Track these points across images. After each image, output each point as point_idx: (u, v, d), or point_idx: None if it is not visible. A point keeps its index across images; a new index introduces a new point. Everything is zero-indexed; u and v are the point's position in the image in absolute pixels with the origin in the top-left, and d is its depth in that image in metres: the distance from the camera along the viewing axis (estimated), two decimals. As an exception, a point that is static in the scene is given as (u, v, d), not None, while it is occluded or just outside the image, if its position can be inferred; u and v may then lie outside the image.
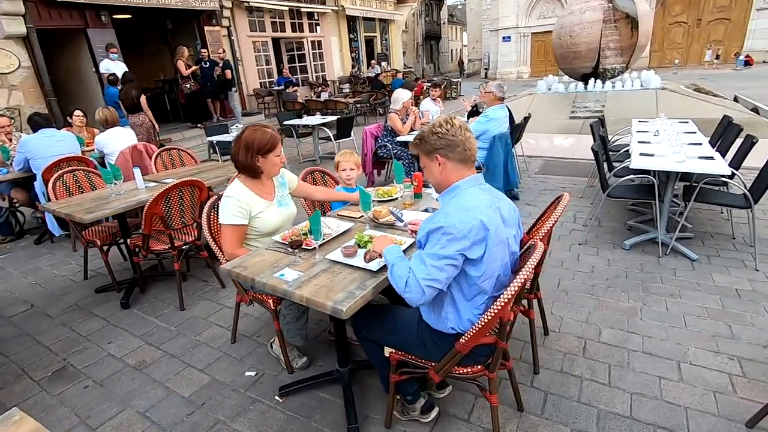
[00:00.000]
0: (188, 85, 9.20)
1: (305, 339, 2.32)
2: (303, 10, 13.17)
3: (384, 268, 1.71)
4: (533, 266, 1.48)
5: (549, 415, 1.98)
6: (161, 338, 2.76)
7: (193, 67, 9.29)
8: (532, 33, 24.78)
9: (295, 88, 11.56)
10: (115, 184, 3.17)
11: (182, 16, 10.30)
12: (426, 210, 2.39)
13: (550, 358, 2.35)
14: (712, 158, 3.30)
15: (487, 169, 4.54)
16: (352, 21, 15.86)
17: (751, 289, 2.89)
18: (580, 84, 10.42)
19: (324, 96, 11.82)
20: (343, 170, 2.78)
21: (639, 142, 4.01)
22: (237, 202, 2.10)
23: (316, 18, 14.11)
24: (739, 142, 3.92)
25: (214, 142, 6.29)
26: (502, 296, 1.43)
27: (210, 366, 2.46)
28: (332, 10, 14.34)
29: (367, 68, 16.39)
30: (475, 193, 1.54)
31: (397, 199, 2.60)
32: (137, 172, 3.34)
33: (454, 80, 17.13)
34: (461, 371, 1.66)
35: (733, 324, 2.54)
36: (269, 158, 2.12)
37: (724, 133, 4.29)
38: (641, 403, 2.02)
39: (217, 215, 2.32)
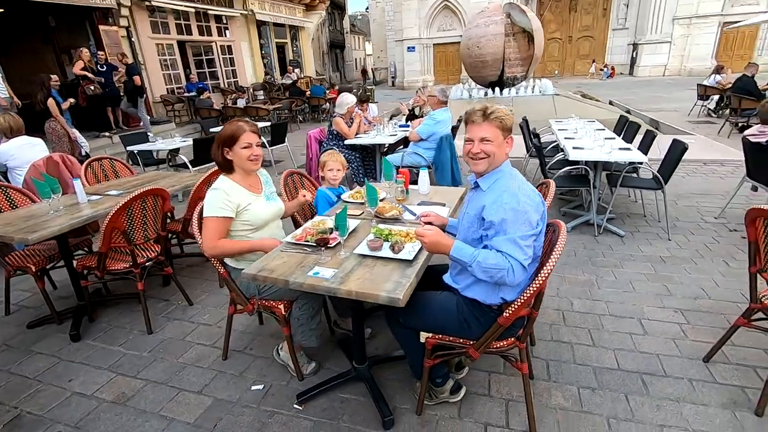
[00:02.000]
0: (92, 87, 8.15)
1: (320, 339, 2.25)
2: (210, 12, 12.45)
3: (418, 255, 1.78)
4: (564, 242, 1.66)
5: (555, 378, 2.20)
6: (135, 366, 2.46)
7: (84, 73, 8.17)
8: (434, 44, 26.40)
9: (208, 94, 10.85)
10: (54, 198, 2.74)
11: (69, 13, 9.09)
12: (423, 203, 2.50)
13: (539, 329, 2.60)
14: (629, 149, 3.92)
15: (436, 168, 4.80)
16: (262, 26, 15.39)
17: (670, 255, 3.49)
18: (481, 91, 11.40)
19: (241, 103, 11.30)
20: (330, 170, 2.76)
21: (566, 138, 4.57)
22: (225, 194, 2.04)
23: (224, 22, 13.43)
24: (639, 137, 4.70)
25: (136, 151, 5.68)
26: (545, 267, 1.58)
27: (207, 386, 2.27)
28: (241, 14, 13.78)
29: (281, 75, 16.04)
30: (516, 173, 1.73)
31: (384, 198, 2.64)
32: (78, 184, 2.92)
33: (368, 87, 17.55)
34: (497, 345, 1.79)
35: (668, 284, 3.06)
36: (236, 150, 2.07)
37: (625, 130, 5.09)
38: (623, 357, 2.34)
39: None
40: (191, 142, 5.65)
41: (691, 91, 14.32)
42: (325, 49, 31.02)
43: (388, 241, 1.92)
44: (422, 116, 5.54)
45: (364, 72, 39.71)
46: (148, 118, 9.44)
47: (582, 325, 2.64)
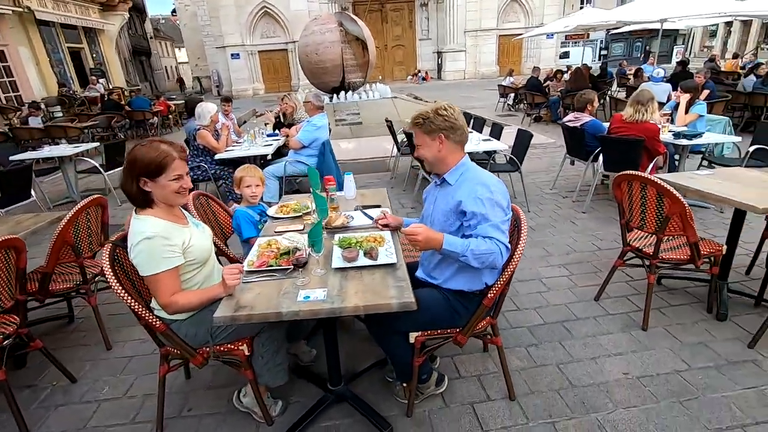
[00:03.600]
0: None
1: (288, 373, 2.01)
2: (-37, 8, 9.54)
3: (397, 256, 1.77)
4: (526, 224, 1.87)
5: (506, 345, 2.46)
6: (26, 484, 1.79)
7: None
8: (258, 51, 25.58)
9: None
10: None
11: None
12: (361, 208, 2.46)
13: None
14: (490, 140, 4.58)
15: (322, 175, 4.72)
16: (45, 27, 12.49)
17: (536, 223, 4.24)
18: (325, 97, 11.69)
19: (35, 122, 9.00)
20: (248, 186, 2.47)
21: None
22: (164, 240, 1.63)
23: (-13, 20, 10.46)
24: (487, 129, 5.52)
25: None
26: (518, 247, 1.77)
27: (153, 472, 1.81)
28: (13, 11, 10.93)
29: (82, 87, 13.34)
30: (476, 167, 1.84)
31: (311, 212, 2.49)
32: None
33: (197, 97, 15.97)
34: (479, 327, 1.92)
35: (545, 247, 3.71)
36: (160, 182, 1.64)
37: (473, 124, 5.90)
38: (543, 312, 2.77)
39: (130, 272, 1.75)
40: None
41: (488, 91, 17.36)
42: (128, 55, 26.97)
43: (359, 248, 1.85)
44: (292, 124, 5.37)
45: (180, 81, 36.06)
46: None
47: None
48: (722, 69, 12.83)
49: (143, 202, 1.68)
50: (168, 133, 12.28)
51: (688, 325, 2.56)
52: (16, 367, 2.51)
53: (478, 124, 5.76)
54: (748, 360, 2.25)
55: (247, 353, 1.83)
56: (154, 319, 1.72)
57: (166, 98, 13.69)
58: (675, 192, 2.22)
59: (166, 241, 1.63)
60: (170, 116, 12.55)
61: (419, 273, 1.97)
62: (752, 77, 7.99)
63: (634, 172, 2.45)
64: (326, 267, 1.76)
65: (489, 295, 1.78)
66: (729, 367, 2.20)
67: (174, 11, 37.50)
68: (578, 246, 3.68)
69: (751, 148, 4.09)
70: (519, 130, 4.53)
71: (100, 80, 14.03)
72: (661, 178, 2.36)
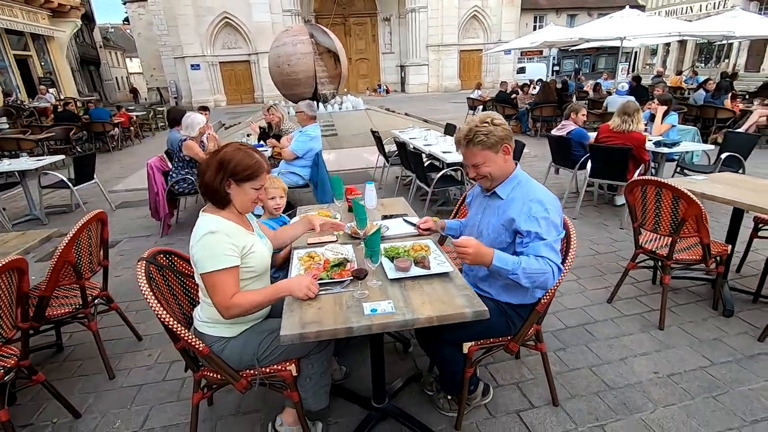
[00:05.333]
0: None
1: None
2: None
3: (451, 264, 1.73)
4: (575, 234, 1.89)
5: (533, 352, 2.46)
6: None
7: None
8: (219, 62, 24.96)
9: None
10: None
11: None
12: (388, 217, 2.40)
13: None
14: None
15: (316, 186, 4.63)
16: (-12, 33, 11.59)
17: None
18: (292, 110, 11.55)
19: (-19, 134, 8.26)
20: (272, 198, 2.35)
21: (425, 144, 5.09)
22: (227, 237, 1.56)
23: None
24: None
25: None
26: (568, 257, 1.78)
27: None
28: (-48, 15, 10.07)
29: (30, 97, 12.43)
30: (528, 177, 1.79)
31: (338, 217, 2.42)
32: None
33: (159, 109, 15.33)
34: (527, 334, 1.90)
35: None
36: (244, 188, 1.63)
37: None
38: (563, 316, 2.80)
39: (165, 292, 1.61)
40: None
41: (453, 104, 17.83)
42: (75, 65, 25.50)
43: (406, 257, 1.80)
44: (279, 135, 5.23)
45: (134, 92, 34.51)
46: None
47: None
48: (668, 84, 13.86)
49: (221, 200, 1.63)
50: (130, 145, 11.64)
51: (699, 323, 2.68)
52: (7, 404, 2.23)
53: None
54: (762, 353, 2.37)
55: (294, 374, 1.72)
56: (197, 342, 1.58)
57: (126, 110, 12.99)
58: (692, 195, 2.34)
59: (229, 239, 1.55)
60: (132, 128, 11.91)
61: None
62: (701, 92, 8.69)
63: (648, 177, 2.56)
64: (380, 278, 1.69)
65: (542, 300, 1.78)
66: (747, 361, 2.31)
67: (126, 20, 35.95)
68: (577, 251, 3.77)
69: (723, 155, 4.40)
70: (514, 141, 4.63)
71: (50, 90, 13.12)
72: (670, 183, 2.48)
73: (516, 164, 1.80)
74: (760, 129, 7.26)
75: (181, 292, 1.89)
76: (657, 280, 3.14)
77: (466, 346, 1.80)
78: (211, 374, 1.70)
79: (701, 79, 13.32)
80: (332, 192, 4.78)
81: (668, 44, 24.40)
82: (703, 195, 2.60)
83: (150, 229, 4.81)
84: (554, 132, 4.92)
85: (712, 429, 1.90)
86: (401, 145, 5.08)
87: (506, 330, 1.82)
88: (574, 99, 13.40)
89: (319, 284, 1.63)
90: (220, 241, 1.53)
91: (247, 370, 1.68)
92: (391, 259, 1.80)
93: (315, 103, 4.72)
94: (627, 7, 8.30)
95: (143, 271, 1.62)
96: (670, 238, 2.54)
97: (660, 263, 2.67)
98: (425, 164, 4.89)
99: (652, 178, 2.53)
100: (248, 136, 5.73)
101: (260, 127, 5.60)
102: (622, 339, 2.55)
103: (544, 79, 14.12)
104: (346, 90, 28.11)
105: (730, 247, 2.64)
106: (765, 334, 2.45)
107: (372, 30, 28.63)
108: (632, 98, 7.92)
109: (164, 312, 1.53)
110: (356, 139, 9.61)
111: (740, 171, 4.45)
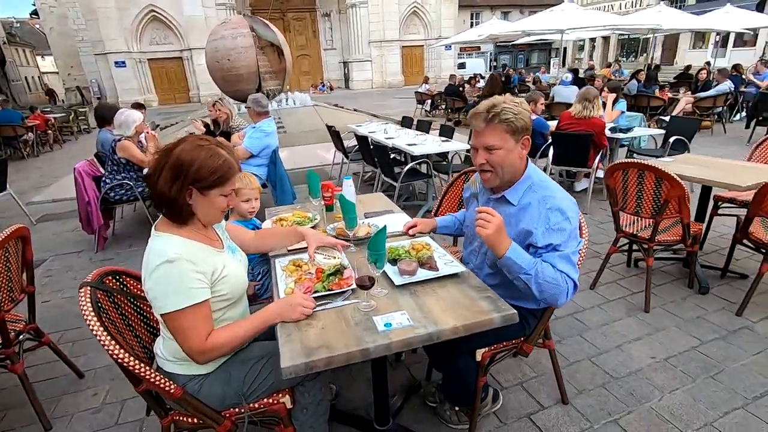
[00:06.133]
0: None
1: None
2: None
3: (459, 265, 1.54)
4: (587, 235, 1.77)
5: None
6: None
7: None
8: (148, 59, 23.15)
9: None
10: None
11: None
12: (372, 215, 2.17)
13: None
14: (449, 141, 4.54)
15: (275, 186, 4.28)
16: None
17: (501, 220, 4.28)
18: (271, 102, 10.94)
19: None
20: (246, 201, 2.03)
21: (387, 138, 4.89)
22: (191, 265, 1.22)
23: None
24: (435, 132, 5.51)
25: None
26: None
27: None
28: None
29: None
30: (544, 176, 1.55)
31: (318, 220, 2.15)
32: None
33: (81, 110, 13.87)
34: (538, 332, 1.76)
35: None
36: (210, 196, 1.27)
37: (418, 127, 5.87)
38: (551, 307, 2.73)
39: (117, 322, 1.28)
40: None
41: (398, 99, 17.85)
42: (-25, 64, 22.54)
43: (409, 259, 1.58)
44: (228, 132, 4.78)
45: (50, 93, 31.23)
46: None
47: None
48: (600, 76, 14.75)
49: (179, 215, 1.27)
50: (49, 152, 10.37)
51: (680, 302, 2.71)
52: None
53: (424, 126, 5.74)
54: (743, 327, 2.43)
55: (289, 406, 1.45)
56: (167, 383, 1.26)
57: (41, 111, 11.57)
58: (675, 176, 2.33)
59: (194, 267, 1.22)
60: (49, 132, 10.63)
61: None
62: (634, 82, 9.25)
63: (631, 160, 2.54)
64: (384, 285, 1.47)
65: (557, 295, 1.64)
66: (732, 337, 2.35)
67: (35, 13, 32.33)
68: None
69: (672, 139, 4.62)
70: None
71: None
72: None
73: (527, 162, 1.56)
74: (687, 114, 7.84)
75: (138, 320, 1.54)
76: (632, 263, 3.18)
77: (480, 353, 1.63)
78: (185, 418, 1.39)
79: (626, 71, 14.31)
80: (293, 191, 4.49)
81: (594, 40, 26.08)
82: (681, 176, 2.62)
83: (81, 244, 4.21)
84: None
85: (719, 410, 1.87)
86: (362, 140, 4.84)
87: (520, 331, 1.66)
88: (516, 91, 13.91)
89: (315, 298, 1.38)
90: (183, 272, 1.19)
91: (232, 409, 1.39)
92: (393, 262, 1.58)
93: (265, 96, 4.33)
94: (565, 1, 8.62)
95: (89, 299, 1.27)
96: (652, 220, 2.53)
97: (643, 246, 2.67)
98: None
99: (634, 161, 2.51)
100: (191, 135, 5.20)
101: (205, 125, 5.10)
102: (613, 326, 2.51)
103: (483, 74, 14.52)
104: (288, 87, 27.41)
105: (704, 225, 2.69)
106: (742, 309, 2.52)
107: (312, 26, 27.95)
108: (575, 87, 8.25)
109: (121, 351, 1.20)
110: (308, 136, 9.21)
111: (685, 153, 4.70)
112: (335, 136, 5.51)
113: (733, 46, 18.94)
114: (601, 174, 4.44)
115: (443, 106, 12.13)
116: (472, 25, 32.28)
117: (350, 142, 5.87)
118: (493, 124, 1.44)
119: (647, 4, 22.05)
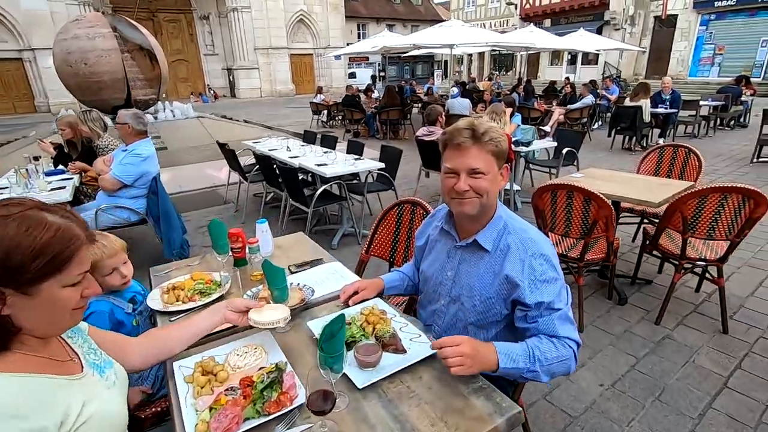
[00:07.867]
0: None
1: None
2: None
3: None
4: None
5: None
6: None
7: None
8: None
9: None
10: None
11: None
12: (301, 268, 1.74)
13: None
14: (362, 159, 4.24)
15: (158, 221, 3.50)
16: None
17: (421, 240, 4.11)
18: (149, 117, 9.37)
19: None
20: (109, 274, 1.42)
21: (291, 157, 4.41)
22: (16, 422, 0.71)
23: None
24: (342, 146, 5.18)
25: None
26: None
27: None
28: None
29: None
30: (515, 217, 1.32)
31: (228, 281, 1.65)
32: None
33: None
34: (511, 394, 1.53)
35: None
36: (43, 295, 0.79)
37: (322, 142, 5.48)
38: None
39: None
40: None
41: (290, 109, 17.25)
42: None
43: (370, 341, 1.22)
44: (93, 152, 3.83)
45: None
46: None
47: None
48: (482, 88, 15.98)
49: None
50: None
51: (605, 316, 2.77)
52: None
53: (330, 141, 5.37)
54: (665, 337, 2.54)
55: None
56: None
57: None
58: (602, 197, 2.33)
59: (21, 425, 0.71)
60: None
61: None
62: (515, 94, 10.09)
63: (559, 181, 2.50)
64: (341, 387, 1.07)
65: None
66: (659, 349, 2.43)
67: None
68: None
69: (564, 150, 4.96)
70: (383, 146, 4.35)
71: None
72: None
73: (498, 203, 1.31)
74: (560, 125, 8.74)
75: None
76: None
77: None
78: None
79: (503, 84, 15.74)
80: (182, 224, 3.75)
81: (471, 55, 28.41)
82: (606, 195, 2.67)
83: None
84: (422, 137, 4.83)
85: (675, 437, 1.85)
86: (262, 159, 4.28)
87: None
88: (409, 102, 14.32)
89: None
90: None
91: None
92: (347, 346, 1.19)
93: (144, 114, 3.57)
94: (451, 18, 9.02)
95: None
96: (582, 241, 2.53)
97: (571, 266, 2.67)
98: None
99: (562, 182, 2.47)
100: (35, 159, 4.05)
101: (56, 146, 4.04)
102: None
103: (372, 85, 14.64)
104: (165, 95, 24.76)
105: (620, 239, 2.80)
106: (660, 318, 2.65)
107: (189, 28, 25.65)
108: (467, 100, 8.65)
109: None
110: (193, 154, 8.15)
111: (575, 162, 5.09)
112: (229, 154, 4.83)
113: (582, 64, 22.15)
114: (508, 186, 4.56)
115: (340, 117, 11.89)
116: (359, 36, 32.85)
117: (246, 160, 5.23)
118: (480, 144, 1.19)
119: (512, 24, 24.73)
